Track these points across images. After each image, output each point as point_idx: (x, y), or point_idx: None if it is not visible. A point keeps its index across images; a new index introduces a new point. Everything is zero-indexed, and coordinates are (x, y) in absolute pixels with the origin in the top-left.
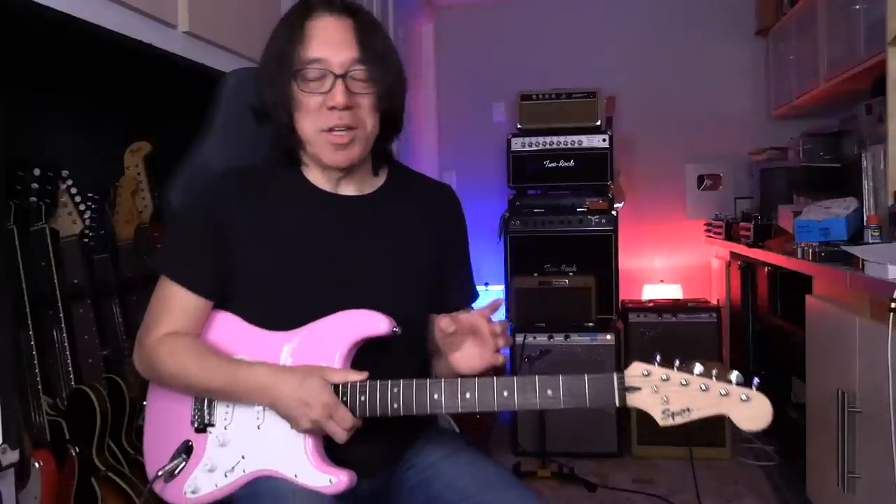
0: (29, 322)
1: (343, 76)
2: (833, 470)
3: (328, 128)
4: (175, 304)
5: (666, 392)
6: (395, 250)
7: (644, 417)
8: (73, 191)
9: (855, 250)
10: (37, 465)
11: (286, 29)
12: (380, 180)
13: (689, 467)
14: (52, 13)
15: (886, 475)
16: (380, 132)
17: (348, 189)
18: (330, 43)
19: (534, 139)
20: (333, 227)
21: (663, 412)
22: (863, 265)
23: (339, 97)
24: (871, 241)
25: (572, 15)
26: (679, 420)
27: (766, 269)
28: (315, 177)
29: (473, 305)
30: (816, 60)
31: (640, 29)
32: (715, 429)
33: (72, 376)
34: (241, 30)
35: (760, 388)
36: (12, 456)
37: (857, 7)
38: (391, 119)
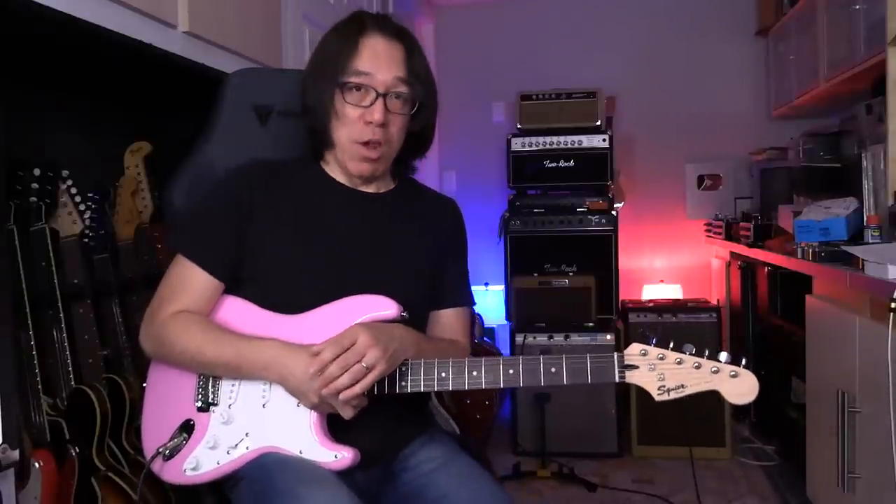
0: (29, 322)
1: (385, 95)
2: (833, 470)
3: (362, 140)
4: (189, 282)
5: (662, 370)
6: (398, 242)
7: (644, 417)
8: (73, 191)
9: (855, 250)
10: (37, 465)
11: (339, 40)
12: (394, 185)
13: (689, 467)
14: (52, 13)
15: (886, 475)
16: (405, 149)
17: (367, 188)
18: (379, 60)
19: (534, 139)
20: (349, 218)
21: (659, 388)
22: (863, 265)
23: (377, 114)
24: (871, 241)
25: (572, 15)
26: (674, 395)
27: (766, 269)
28: (336, 174)
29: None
30: (816, 60)
31: (640, 29)
32: (715, 429)
33: (72, 376)
34: (241, 30)
35: (747, 367)
36: (12, 456)
37: (857, 7)
38: (419, 140)
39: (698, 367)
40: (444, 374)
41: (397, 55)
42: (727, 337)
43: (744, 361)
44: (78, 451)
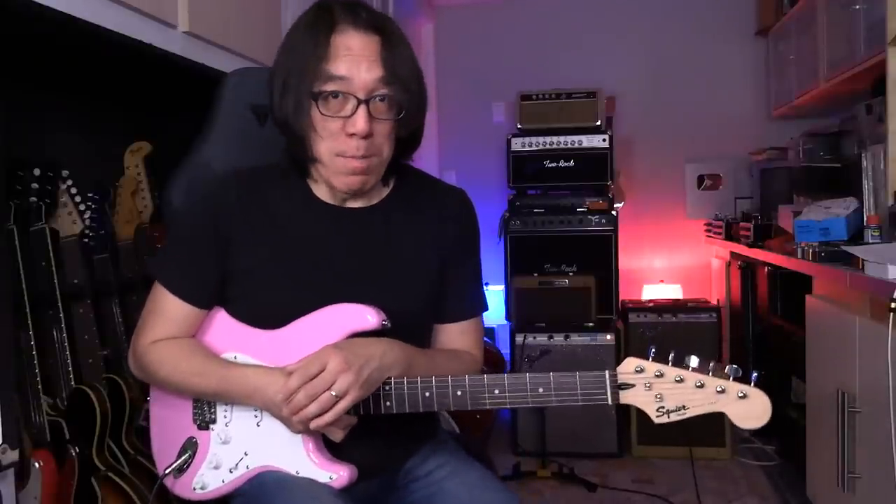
0: (29, 322)
1: (367, 101)
2: (833, 470)
3: (346, 155)
4: (168, 312)
5: (660, 389)
6: (393, 256)
7: (644, 417)
8: (73, 191)
9: (855, 250)
10: (37, 465)
11: (309, 41)
12: (388, 188)
13: (689, 467)
14: (52, 13)
15: (886, 475)
16: (396, 150)
17: (355, 202)
18: (356, 61)
19: (534, 139)
20: (333, 235)
21: (658, 410)
22: (863, 265)
23: (360, 124)
24: (871, 241)
25: (572, 15)
26: (675, 417)
27: (766, 269)
28: (321, 190)
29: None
30: (816, 60)
31: (640, 29)
32: (715, 429)
33: (72, 376)
34: (241, 30)
35: (759, 384)
36: (12, 456)
37: (857, 7)
38: (410, 139)
39: (701, 386)
40: (427, 395)
41: (375, 50)
42: (727, 337)
43: (754, 377)
44: (78, 451)
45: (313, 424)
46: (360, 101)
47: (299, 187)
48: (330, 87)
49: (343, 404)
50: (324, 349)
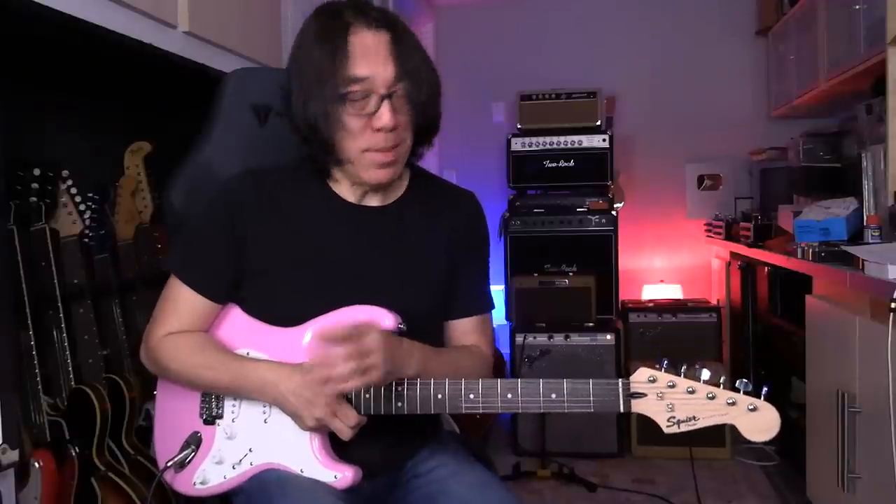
0: (29, 322)
1: (389, 96)
2: (833, 470)
3: (375, 149)
4: (183, 305)
5: (672, 399)
6: (408, 255)
7: (644, 417)
8: (73, 191)
9: (855, 250)
10: (37, 465)
11: (326, 46)
12: (402, 186)
13: (689, 467)
14: (52, 13)
15: (886, 475)
16: (416, 137)
17: (372, 201)
18: (373, 59)
19: (534, 139)
20: (349, 234)
21: (668, 419)
22: (863, 265)
23: (386, 118)
24: (871, 241)
25: (572, 15)
26: (685, 428)
27: (766, 269)
28: (341, 188)
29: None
30: (816, 60)
31: (640, 29)
32: (715, 429)
33: (72, 376)
34: (241, 30)
35: (768, 398)
36: (12, 456)
37: (857, 7)
38: (425, 131)
39: (712, 398)
40: (440, 397)
41: (387, 46)
42: (727, 337)
43: (764, 391)
44: (78, 450)
45: (332, 387)
46: (382, 97)
47: (317, 186)
48: (355, 88)
49: (360, 381)
50: (367, 325)
